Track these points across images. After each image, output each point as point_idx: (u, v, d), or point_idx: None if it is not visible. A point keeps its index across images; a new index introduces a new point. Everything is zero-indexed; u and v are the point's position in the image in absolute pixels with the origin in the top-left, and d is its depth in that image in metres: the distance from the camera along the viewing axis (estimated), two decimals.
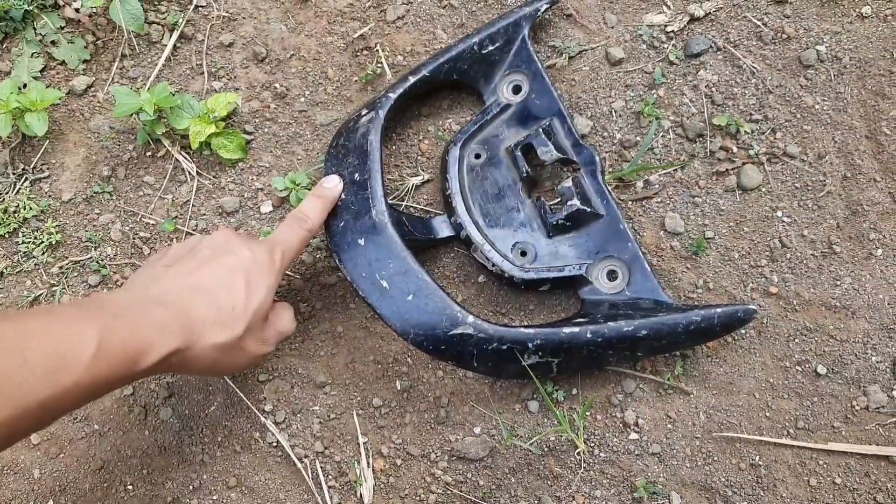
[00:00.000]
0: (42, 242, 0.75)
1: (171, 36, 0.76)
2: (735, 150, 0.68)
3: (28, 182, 0.76)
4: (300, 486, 0.69)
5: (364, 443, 0.69)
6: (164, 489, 0.71)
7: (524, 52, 0.69)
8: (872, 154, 0.67)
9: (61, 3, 0.77)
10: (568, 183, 0.66)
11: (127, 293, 0.54)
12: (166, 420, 0.72)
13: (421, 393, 0.69)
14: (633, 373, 0.67)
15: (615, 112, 0.71)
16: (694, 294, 0.67)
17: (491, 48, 0.69)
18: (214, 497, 0.70)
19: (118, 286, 0.74)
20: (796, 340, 0.66)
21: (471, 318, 0.59)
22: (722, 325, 0.61)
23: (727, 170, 0.68)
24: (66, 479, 0.72)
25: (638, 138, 0.70)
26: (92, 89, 0.77)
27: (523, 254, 0.67)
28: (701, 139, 0.69)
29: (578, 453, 0.66)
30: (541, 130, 0.67)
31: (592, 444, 0.66)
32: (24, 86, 0.76)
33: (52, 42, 0.77)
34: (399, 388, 0.70)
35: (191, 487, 0.70)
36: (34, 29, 0.77)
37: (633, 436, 0.66)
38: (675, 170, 0.69)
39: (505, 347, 0.60)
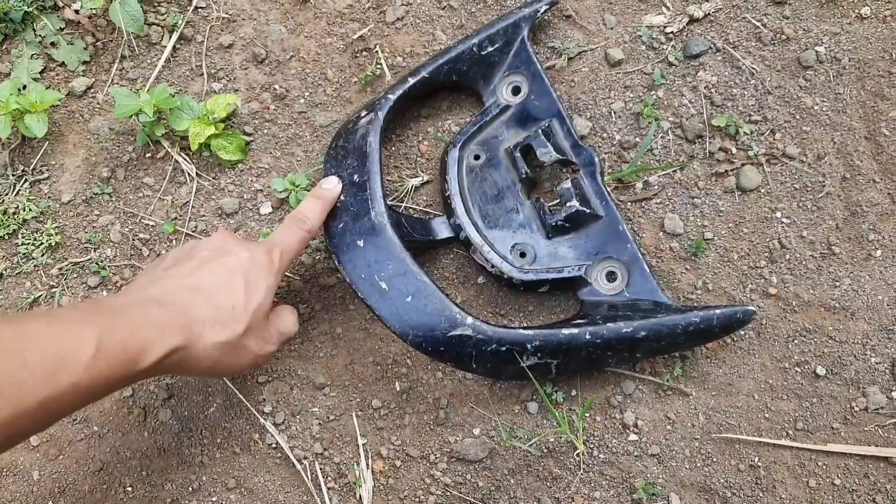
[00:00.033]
0: (42, 244, 0.75)
1: (170, 37, 0.76)
2: (734, 151, 0.68)
3: (28, 183, 0.76)
4: (299, 487, 0.69)
5: (363, 444, 0.69)
6: (163, 490, 0.71)
7: (523, 53, 0.69)
8: (871, 155, 0.67)
9: (61, 4, 0.77)
10: (567, 184, 0.66)
11: (125, 296, 0.54)
12: (166, 421, 0.72)
13: (420, 394, 0.69)
14: (632, 374, 0.67)
15: (614, 113, 0.71)
16: (693, 295, 0.67)
17: (490, 49, 0.69)
18: (214, 498, 0.70)
19: (118, 288, 0.74)
20: (795, 341, 0.66)
21: (469, 320, 0.59)
22: (721, 327, 0.61)
23: (726, 171, 0.68)
24: (66, 480, 0.72)
25: (637, 139, 0.70)
26: (91, 91, 0.77)
27: (522, 255, 0.67)
28: (700, 140, 0.69)
29: (578, 454, 0.66)
30: (540, 131, 0.67)
31: (592, 446, 0.66)
32: (24, 87, 0.76)
33: (52, 43, 0.77)
34: (398, 389, 0.70)
35: (190, 489, 0.70)
36: (34, 30, 0.77)
37: (633, 437, 0.66)
38: (675, 171, 0.69)
39: (504, 349, 0.60)
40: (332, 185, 0.64)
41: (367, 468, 0.68)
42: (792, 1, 0.70)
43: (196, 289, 0.54)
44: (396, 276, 0.60)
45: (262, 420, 0.70)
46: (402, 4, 0.75)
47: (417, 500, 0.68)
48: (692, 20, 0.71)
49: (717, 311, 0.60)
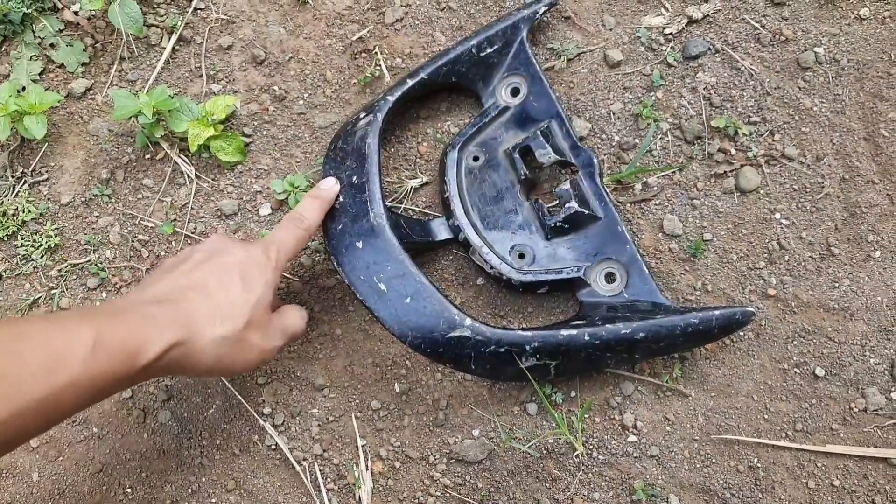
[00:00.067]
0: (41, 245, 0.75)
1: (169, 39, 0.77)
2: (733, 152, 0.68)
3: (27, 185, 0.76)
4: (299, 488, 0.69)
5: (363, 445, 0.69)
6: (162, 492, 0.71)
7: (522, 54, 0.69)
8: (870, 156, 0.67)
9: (60, 5, 0.77)
10: (566, 185, 0.66)
11: (124, 298, 0.55)
12: (165, 423, 0.72)
13: (419, 395, 0.69)
14: (631, 375, 0.67)
15: (613, 114, 0.71)
16: (692, 296, 0.67)
17: (489, 51, 0.69)
18: (213, 500, 0.70)
19: (117, 289, 0.74)
20: (794, 342, 0.66)
21: (468, 321, 0.59)
22: (720, 328, 0.61)
23: (725, 172, 0.68)
24: (65, 482, 0.72)
25: (636, 140, 0.70)
26: (91, 92, 0.77)
27: (521, 256, 0.67)
28: (699, 141, 0.69)
29: (577, 456, 0.66)
30: (539, 133, 0.67)
31: (591, 447, 0.66)
32: (23, 89, 0.76)
33: (51, 45, 0.77)
34: (398, 390, 0.70)
35: (189, 490, 0.70)
36: (33, 32, 0.77)
37: (632, 438, 0.66)
38: (674, 172, 0.69)
39: (503, 350, 0.60)
40: (329, 186, 0.64)
41: (367, 469, 0.68)
42: (791, 2, 0.70)
43: (194, 287, 0.54)
44: (395, 277, 0.60)
45: (261, 421, 0.70)
46: (402, 6, 0.75)
47: (417, 501, 0.68)
48: (691, 21, 0.71)
49: (717, 313, 0.60)
